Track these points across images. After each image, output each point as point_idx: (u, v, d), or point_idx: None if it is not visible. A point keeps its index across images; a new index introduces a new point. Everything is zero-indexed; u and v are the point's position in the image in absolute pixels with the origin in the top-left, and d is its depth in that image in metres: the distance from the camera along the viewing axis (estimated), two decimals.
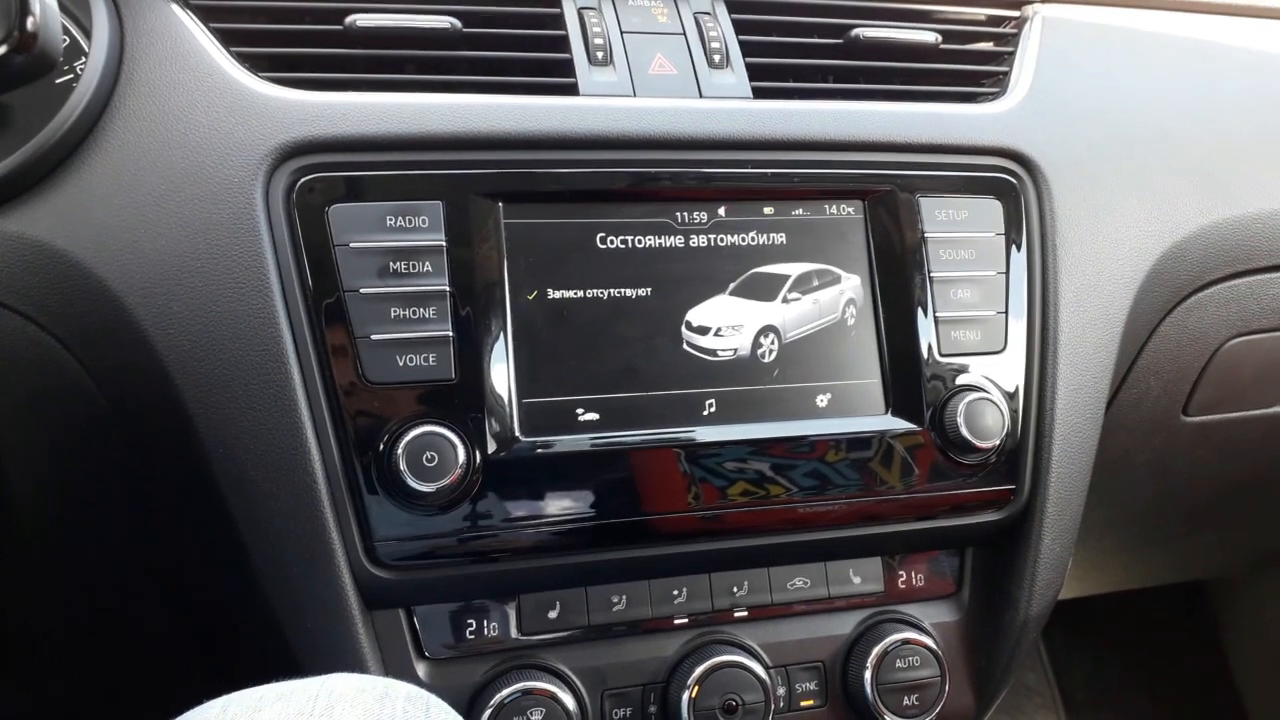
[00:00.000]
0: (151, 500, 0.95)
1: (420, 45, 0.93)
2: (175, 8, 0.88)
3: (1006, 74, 1.08)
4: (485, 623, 0.93)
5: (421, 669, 0.91)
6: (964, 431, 0.94)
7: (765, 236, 0.94)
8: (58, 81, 0.81)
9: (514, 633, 0.93)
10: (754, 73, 0.98)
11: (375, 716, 0.65)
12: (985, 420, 0.95)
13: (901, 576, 1.04)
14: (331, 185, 0.84)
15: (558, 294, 0.89)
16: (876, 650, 0.98)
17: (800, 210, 0.95)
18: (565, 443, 0.87)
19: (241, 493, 0.83)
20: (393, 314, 0.84)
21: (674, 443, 0.90)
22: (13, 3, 0.69)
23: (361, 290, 0.83)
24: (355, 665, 0.86)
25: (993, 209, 1.00)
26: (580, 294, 0.89)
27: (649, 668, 0.96)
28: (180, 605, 1.12)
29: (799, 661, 1.00)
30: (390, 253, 0.84)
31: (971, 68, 1.09)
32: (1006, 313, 1.00)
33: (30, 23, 0.70)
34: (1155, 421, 1.20)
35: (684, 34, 0.99)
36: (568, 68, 0.94)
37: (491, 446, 0.85)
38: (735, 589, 0.99)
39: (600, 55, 0.95)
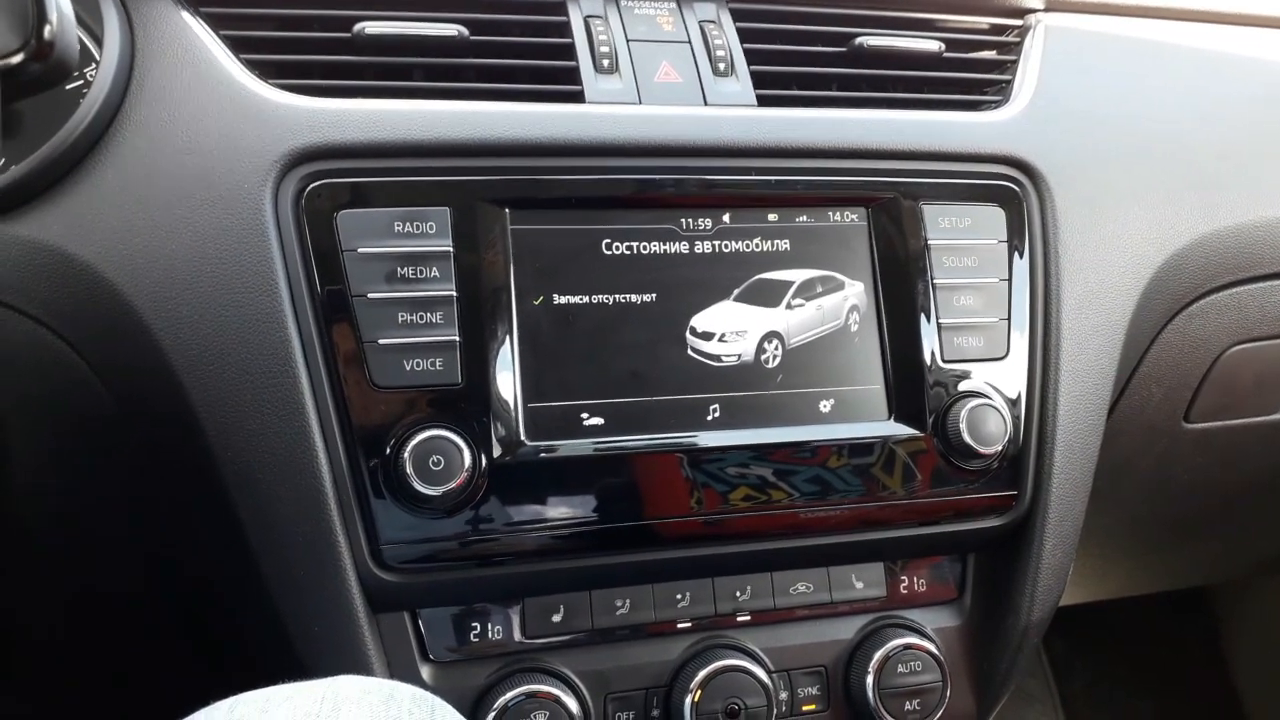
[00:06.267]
0: (159, 503, 0.96)
1: (428, 52, 0.93)
2: (185, 15, 0.89)
3: (1009, 82, 1.08)
4: (489, 626, 0.93)
5: (426, 672, 0.92)
6: (966, 437, 0.95)
7: (769, 243, 0.95)
8: (69, 88, 0.82)
9: (518, 636, 0.94)
10: (758, 81, 0.99)
11: (381, 718, 0.65)
12: (988, 426, 0.95)
13: (904, 582, 1.05)
14: (340, 191, 0.85)
15: (563, 299, 0.89)
16: (878, 655, 0.99)
17: (804, 217, 0.96)
18: (570, 447, 0.88)
19: (248, 495, 0.84)
20: (400, 319, 0.84)
21: (678, 448, 0.90)
22: (30, 12, 0.70)
23: (369, 295, 0.84)
24: (361, 668, 0.87)
25: (995, 216, 1.01)
26: (585, 299, 0.90)
27: (652, 671, 0.96)
28: (186, 607, 1.13)
29: (801, 666, 1.00)
30: (398, 258, 0.85)
31: (975, 76, 1.09)
32: (1009, 319, 1.00)
33: (48, 31, 0.71)
34: (1157, 428, 1.21)
35: (689, 42, 0.99)
36: (574, 75, 0.95)
37: (497, 451, 0.86)
38: (738, 593, 0.99)
39: (606, 63, 0.96)
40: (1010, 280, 1.00)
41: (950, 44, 1.08)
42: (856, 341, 0.96)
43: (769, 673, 0.96)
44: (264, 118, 0.85)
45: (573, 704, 0.91)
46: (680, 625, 0.98)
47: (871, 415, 0.96)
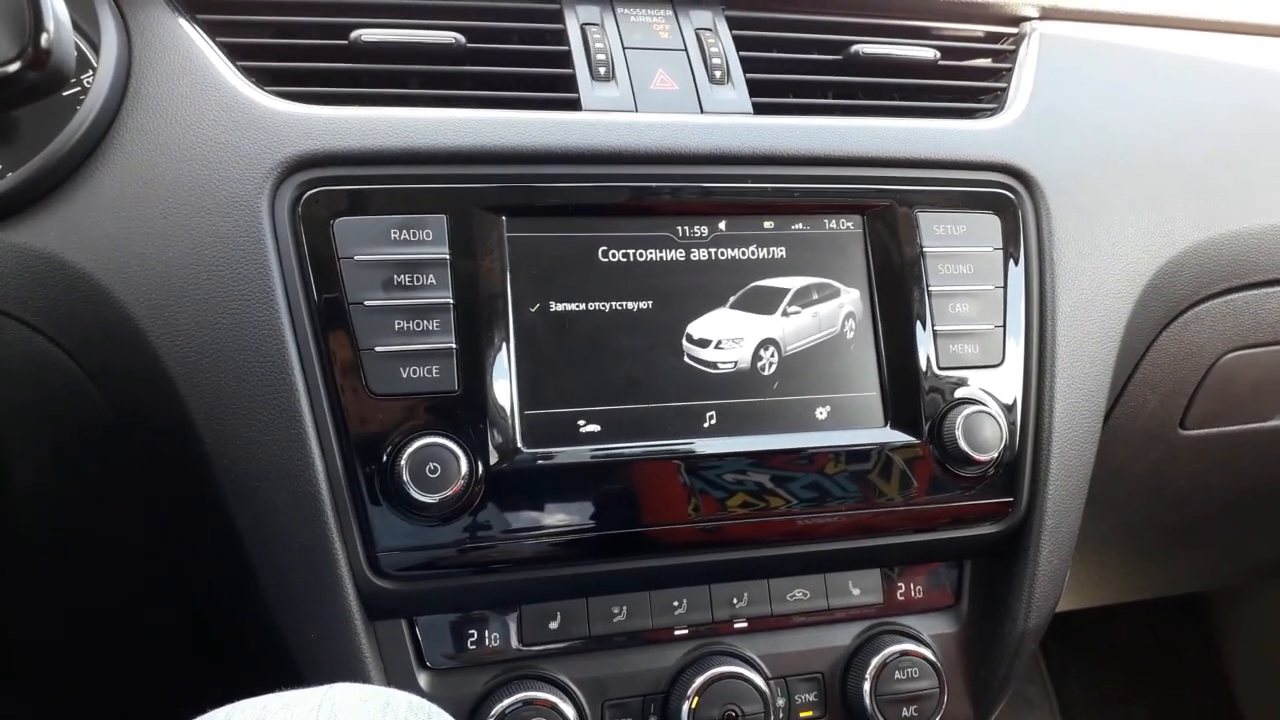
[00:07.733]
0: (155, 509, 0.96)
1: (425, 60, 0.94)
2: (183, 22, 0.89)
3: (1004, 90, 1.09)
4: (486, 633, 0.93)
5: (423, 679, 0.92)
6: (962, 444, 0.95)
7: (765, 250, 0.95)
8: (66, 95, 0.82)
9: (515, 643, 0.94)
10: (754, 88, 0.99)
11: None
12: (983, 433, 0.95)
13: (900, 588, 1.05)
14: (336, 198, 0.85)
15: (560, 306, 0.89)
16: (875, 661, 0.99)
17: (800, 224, 0.96)
18: (567, 454, 0.88)
19: (245, 502, 0.84)
20: (396, 326, 0.84)
21: (674, 454, 0.90)
22: (27, 20, 0.70)
23: (366, 303, 0.84)
24: (357, 675, 0.87)
25: (991, 224, 1.01)
26: (582, 306, 0.90)
27: (649, 678, 0.96)
28: (183, 614, 1.12)
29: (798, 673, 1.00)
30: (394, 265, 0.85)
31: (970, 84, 1.09)
32: (1004, 327, 1.00)
33: (44, 39, 0.71)
34: (1152, 435, 1.21)
35: (685, 50, 1.00)
36: (570, 83, 0.95)
37: (494, 458, 0.86)
38: (735, 600, 0.99)
39: (603, 71, 0.96)
40: (1005, 287, 1.01)
41: (945, 52, 1.08)
42: (852, 349, 0.96)
43: (766, 679, 0.96)
44: (261, 125, 0.85)
45: (570, 711, 0.91)
46: (677, 632, 0.98)
47: (867, 422, 0.96)
